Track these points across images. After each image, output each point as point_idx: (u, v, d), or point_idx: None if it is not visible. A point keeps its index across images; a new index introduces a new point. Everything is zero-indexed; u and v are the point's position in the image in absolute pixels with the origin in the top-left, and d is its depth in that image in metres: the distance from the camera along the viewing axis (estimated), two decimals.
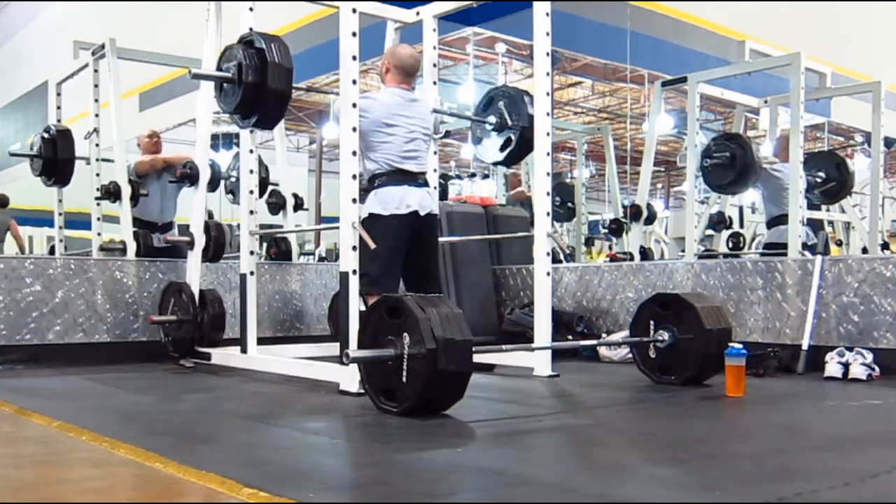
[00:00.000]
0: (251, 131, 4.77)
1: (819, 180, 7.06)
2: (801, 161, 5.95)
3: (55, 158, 6.06)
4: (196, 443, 2.84)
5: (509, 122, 4.86)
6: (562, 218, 9.30)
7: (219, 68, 3.99)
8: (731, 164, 6.12)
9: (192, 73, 4.10)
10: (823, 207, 7.36)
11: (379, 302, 3.35)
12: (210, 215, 6.55)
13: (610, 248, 11.20)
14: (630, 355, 4.57)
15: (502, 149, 4.94)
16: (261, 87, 3.81)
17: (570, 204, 9.38)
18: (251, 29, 4.25)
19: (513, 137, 4.88)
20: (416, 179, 4.28)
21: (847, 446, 2.77)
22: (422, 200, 4.25)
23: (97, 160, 6.25)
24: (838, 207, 7.86)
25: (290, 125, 15.12)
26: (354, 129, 3.88)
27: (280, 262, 6.38)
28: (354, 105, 3.88)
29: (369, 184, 4.27)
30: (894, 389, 4.07)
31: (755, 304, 5.08)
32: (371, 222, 4.09)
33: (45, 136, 6.05)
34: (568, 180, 13.84)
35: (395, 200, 4.18)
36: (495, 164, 5.20)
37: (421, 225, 4.26)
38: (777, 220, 6.33)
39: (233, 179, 6.72)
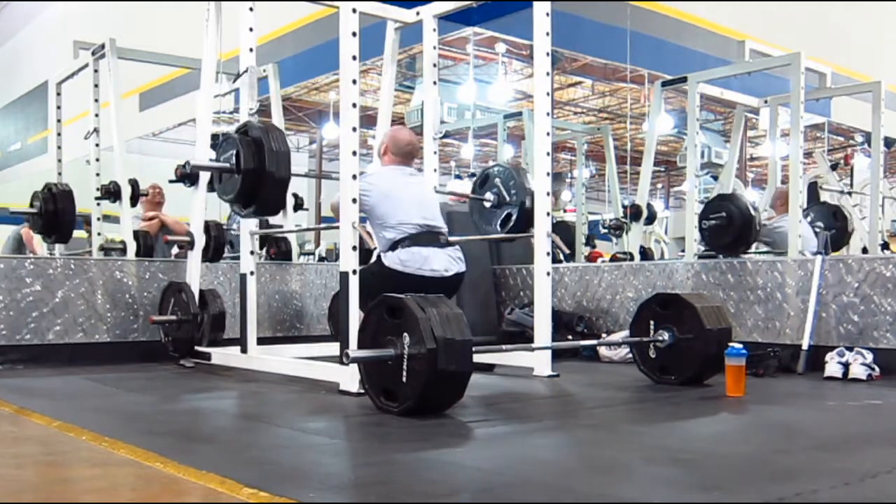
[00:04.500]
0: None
1: (817, 231, 7.10)
2: (801, 161, 5.95)
3: (55, 214, 5.75)
4: (196, 443, 2.84)
5: (507, 199, 4.90)
6: (568, 258, 9.14)
7: (217, 158, 3.95)
8: (728, 223, 6.08)
9: (192, 164, 4.14)
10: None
11: (379, 302, 3.35)
12: None
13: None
14: (630, 355, 4.57)
15: (503, 224, 4.97)
16: (260, 178, 3.76)
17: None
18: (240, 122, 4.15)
19: (513, 214, 4.91)
20: (439, 240, 4.20)
21: (847, 446, 2.78)
22: (448, 264, 4.19)
23: (97, 160, 6.24)
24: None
25: (289, 125, 15.10)
26: (354, 129, 3.88)
27: (280, 262, 6.38)
28: (354, 105, 3.88)
29: (391, 250, 4.17)
30: (894, 389, 4.07)
31: (755, 304, 5.08)
32: (381, 269, 4.03)
33: (46, 194, 5.79)
34: (568, 180, 13.83)
35: (418, 260, 4.10)
36: (500, 239, 5.27)
37: (443, 285, 4.07)
38: None
39: (234, 230, 6.52)
